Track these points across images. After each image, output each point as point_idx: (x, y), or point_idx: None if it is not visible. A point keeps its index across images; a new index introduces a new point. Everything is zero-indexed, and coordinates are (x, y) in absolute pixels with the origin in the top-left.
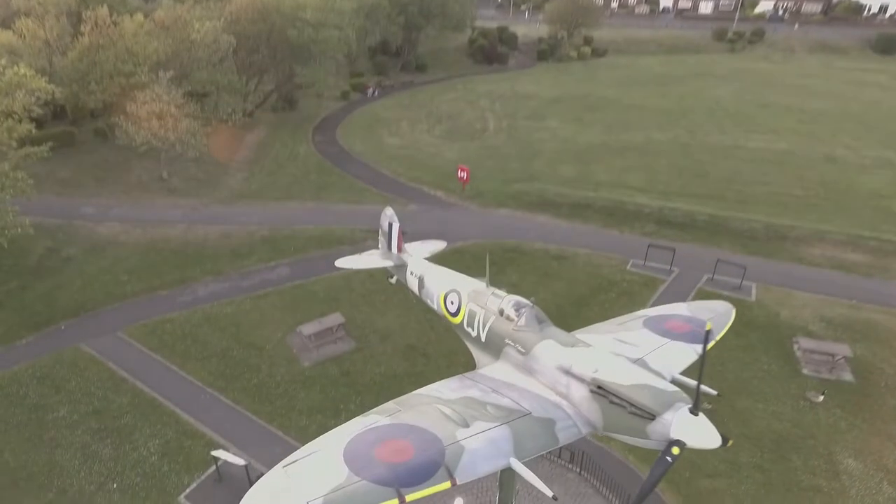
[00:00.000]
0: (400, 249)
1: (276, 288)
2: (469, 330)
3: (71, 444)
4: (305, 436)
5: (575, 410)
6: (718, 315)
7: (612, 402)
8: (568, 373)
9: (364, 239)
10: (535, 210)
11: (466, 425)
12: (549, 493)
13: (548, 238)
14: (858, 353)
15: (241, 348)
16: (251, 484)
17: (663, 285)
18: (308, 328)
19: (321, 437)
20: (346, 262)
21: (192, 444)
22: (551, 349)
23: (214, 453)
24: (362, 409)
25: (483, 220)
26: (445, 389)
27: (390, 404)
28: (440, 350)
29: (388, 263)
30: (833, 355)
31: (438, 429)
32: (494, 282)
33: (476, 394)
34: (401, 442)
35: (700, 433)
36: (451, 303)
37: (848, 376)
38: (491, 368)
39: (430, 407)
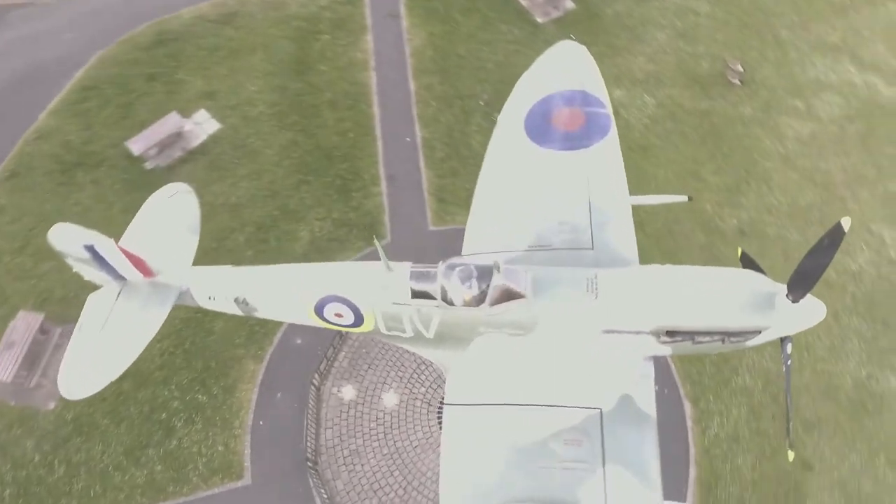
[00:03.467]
0: (148, 272)
1: None
2: (396, 334)
3: None
4: None
5: (637, 360)
6: (578, 65)
7: (697, 343)
8: (611, 332)
9: None
10: None
11: None
12: None
13: None
14: None
15: None
16: None
17: None
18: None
19: None
20: (76, 380)
21: None
22: (567, 314)
23: None
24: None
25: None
26: (477, 455)
27: None
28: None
29: (155, 321)
30: None
31: None
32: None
33: (520, 431)
34: None
35: (809, 316)
36: (338, 315)
37: (570, 3)
38: (479, 366)
39: None
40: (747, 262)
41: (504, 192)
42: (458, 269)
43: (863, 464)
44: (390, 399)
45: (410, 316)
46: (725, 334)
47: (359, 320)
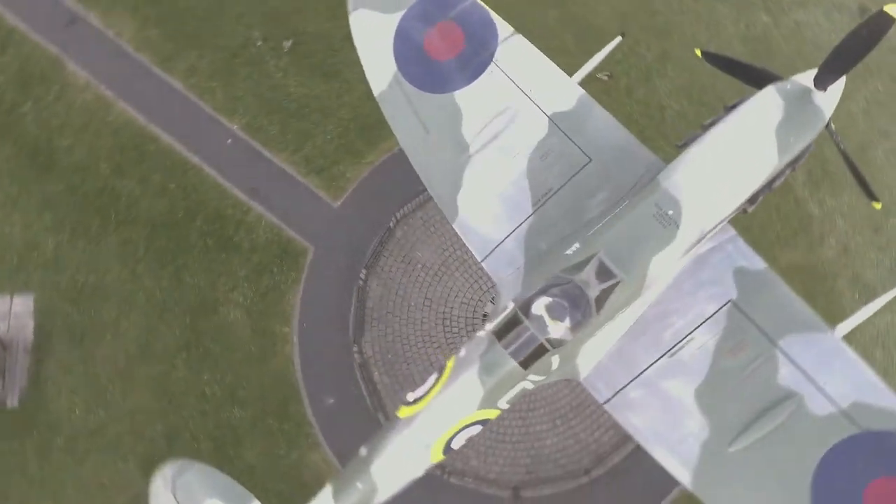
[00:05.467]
0: None
1: None
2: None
3: None
4: None
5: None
6: None
7: (774, 187)
8: (703, 238)
9: None
10: None
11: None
12: None
13: None
14: None
15: None
16: None
17: None
18: None
19: None
20: None
21: None
22: (663, 260)
23: None
24: None
25: None
26: (675, 424)
27: None
28: None
29: None
30: None
31: None
32: None
33: (688, 375)
34: None
35: (838, 93)
36: (469, 438)
37: None
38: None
39: None
40: (712, 59)
41: (458, 170)
42: (545, 307)
43: None
44: None
45: (531, 379)
46: (794, 161)
47: (485, 424)
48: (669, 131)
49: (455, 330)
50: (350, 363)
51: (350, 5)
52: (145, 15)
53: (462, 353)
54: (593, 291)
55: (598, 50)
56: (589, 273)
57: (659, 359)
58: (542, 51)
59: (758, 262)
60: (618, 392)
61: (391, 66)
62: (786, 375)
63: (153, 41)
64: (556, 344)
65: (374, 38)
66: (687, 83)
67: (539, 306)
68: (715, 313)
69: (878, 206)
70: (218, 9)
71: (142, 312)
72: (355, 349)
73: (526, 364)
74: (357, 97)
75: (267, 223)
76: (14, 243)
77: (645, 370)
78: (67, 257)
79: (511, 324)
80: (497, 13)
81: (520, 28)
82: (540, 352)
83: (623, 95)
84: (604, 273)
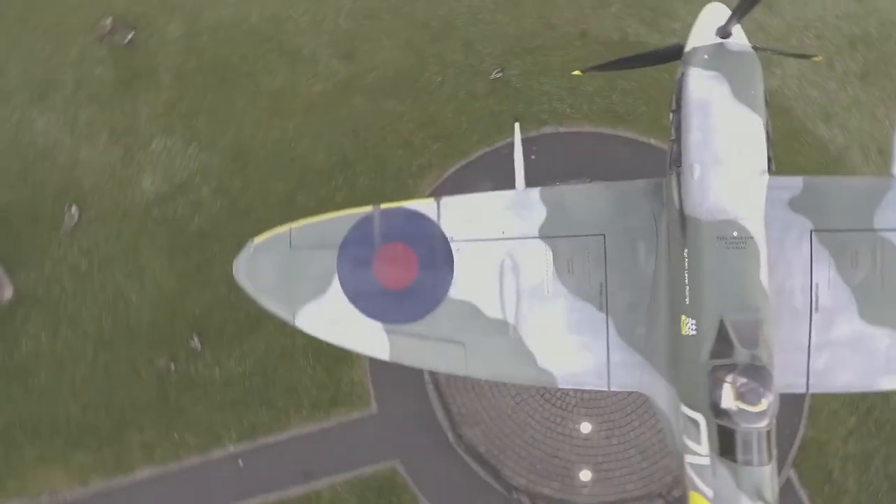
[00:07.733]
0: None
1: None
2: None
3: None
4: None
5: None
6: (280, 248)
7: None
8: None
9: None
10: None
11: None
12: None
13: None
14: None
15: None
16: None
17: None
18: None
19: None
20: None
21: None
22: (766, 266)
23: None
24: None
25: None
26: None
27: None
28: None
29: None
30: None
31: None
32: None
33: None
34: None
35: (741, 29)
36: None
37: None
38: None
39: None
40: (596, 69)
41: (518, 346)
42: (737, 400)
43: None
44: (586, 428)
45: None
46: (767, 132)
47: None
48: (536, 97)
49: (558, 398)
50: None
51: (287, 318)
52: (66, 459)
53: (708, 492)
54: (758, 355)
55: (433, 103)
56: (739, 341)
57: (811, 321)
58: (412, 140)
59: (797, 182)
60: (808, 374)
61: (377, 327)
62: None
63: (86, 466)
64: (771, 415)
65: (337, 321)
66: (508, 44)
67: (728, 401)
68: (812, 251)
69: (818, 59)
70: (106, 393)
71: None
72: (514, 496)
73: (770, 457)
74: None
75: (345, 484)
76: None
77: (811, 339)
78: None
79: (728, 438)
80: (342, 147)
81: (374, 142)
82: (769, 436)
83: (487, 96)
84: (744, 328)
